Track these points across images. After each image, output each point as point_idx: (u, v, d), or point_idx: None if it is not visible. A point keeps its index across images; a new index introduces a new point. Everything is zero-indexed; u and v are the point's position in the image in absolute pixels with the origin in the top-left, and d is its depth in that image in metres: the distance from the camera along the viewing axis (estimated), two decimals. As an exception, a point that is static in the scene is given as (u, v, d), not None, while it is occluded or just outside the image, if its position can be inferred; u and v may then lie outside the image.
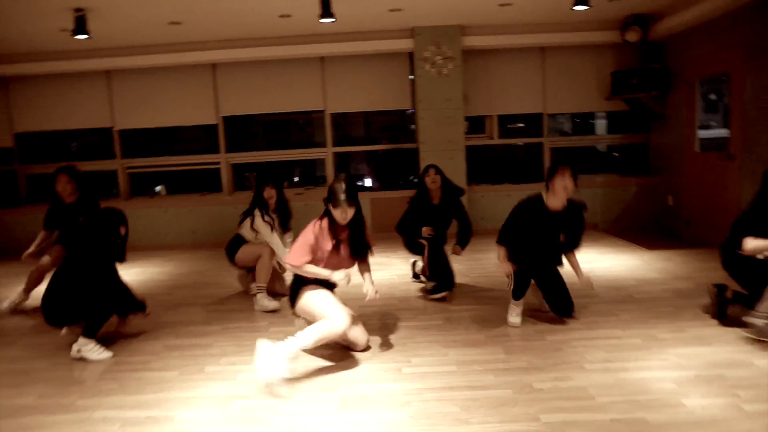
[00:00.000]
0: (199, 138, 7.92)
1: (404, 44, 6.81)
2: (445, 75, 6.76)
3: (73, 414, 2.68)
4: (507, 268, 3.66)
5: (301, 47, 6.80)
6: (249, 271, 4.57)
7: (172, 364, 3.26)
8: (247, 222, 4.43)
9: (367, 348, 3.31)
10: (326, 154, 7.34)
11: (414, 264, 4.91)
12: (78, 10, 5.16)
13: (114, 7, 5.18)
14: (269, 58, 6.98)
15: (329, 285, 3.28)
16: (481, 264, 5.45)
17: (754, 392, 2.59)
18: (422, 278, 4.72)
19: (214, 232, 7.02)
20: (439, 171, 4.52)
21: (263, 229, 4.36)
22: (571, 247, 3.62)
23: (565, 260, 3.72)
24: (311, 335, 2.94)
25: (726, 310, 3.54)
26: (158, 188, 7.99)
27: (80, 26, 5.27)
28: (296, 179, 8.26)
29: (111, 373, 3.16)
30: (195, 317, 4.17)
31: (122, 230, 3.68)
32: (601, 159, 8.13)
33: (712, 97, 9.18)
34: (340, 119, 7.71)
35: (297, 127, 8.39)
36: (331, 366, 3.13)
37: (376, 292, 3.32)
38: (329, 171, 7.37)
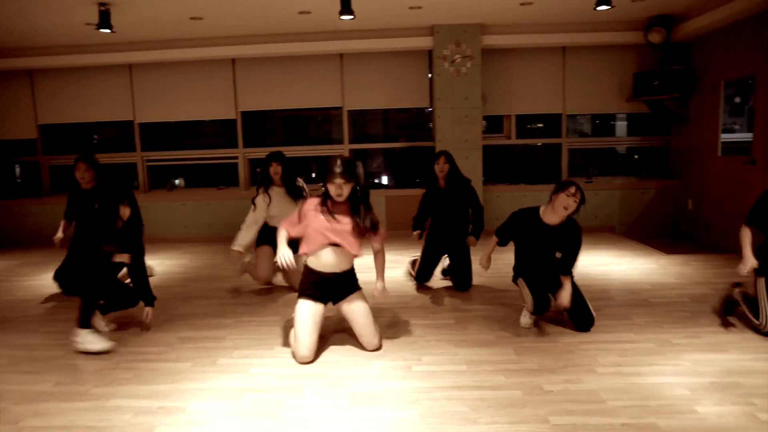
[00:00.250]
0: (219, 132, 8.00)
1: (423, 42, 6.79)
2: (463, 74, 6.73)
3: (88, 402, 2.73)
4: (484, 261, 3.76)
5: (320, 44, 6.82)
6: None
7: (185, 355, 3.31)
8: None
9: (378, 348, 3.31)
10: (343, 150, 7.36)
11: (413, 262, 4.93)
12: (102, 4, 5.24)
13: (137, 2, 5.25)
14: (288, 54, 7.01)
15: (322, 297, 3.25)
16: (494, 264, 5.34)
17: (770, 401, 2.54)
18: (411, 272, 4.92)
19: (230, 226, 7.06)
20: (449, 160, 4.52)
21: (258, 208, 4.57)
22: (564, 268, 3.46)
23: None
24: None
25: (734, 309, 3.58)
26: (177, 181, 8.08)
27: (104, 20, 5.35)
28: (313, 175, 8.29)
29: (125, 363, 3.21)
30: (209, 310, 4.22)
31: (123, 211, 3.59)
32: (620, 161, 8.03)
33: (737, 100, 9.00)
34: (358, 116, 7.72)
35: (315, 124, 8.42)
36: (341, 362, 3.15)
37: (385, 288, 3.30)
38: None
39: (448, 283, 4.79)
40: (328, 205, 3.17)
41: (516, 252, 3.71)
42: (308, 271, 3.28)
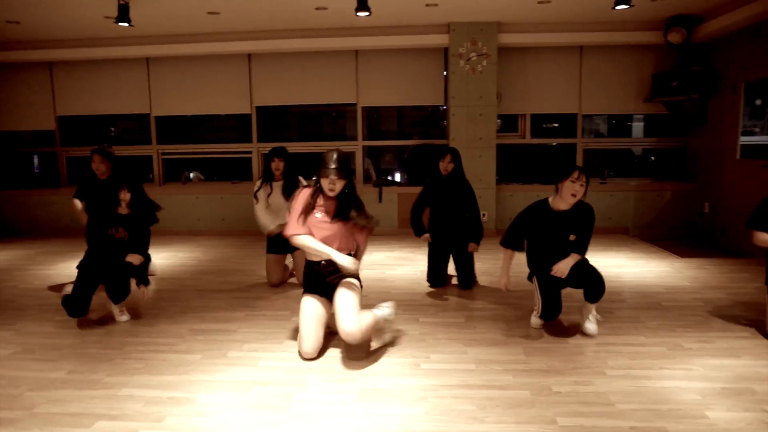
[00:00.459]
0: (234, 127, 8.06)
1: (439, 40, 6.76)
2: (479, 72, 6.69)
3: (101, 390, 2.78)
4: (505, 280, 3.59)
5: (336, 40, 6.83)
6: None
7: (196, 347, 3.34)
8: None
9: (356, 338, 3.02)
10: (356, 147, 7.38)
11: None
12: (121, -2, 5.30)
13: (155, -4, 5.31)
14: (304, 49, 7.03)
15: (324, 290, 3.22)
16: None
17: (783, 409, 2.51)
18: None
19: (243, 220, 7.15)
20: (455, 159, 4.49)
21: (260, 200, 4.65)
22: (578, 251, 3.42)
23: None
24: None
25: None
26: (192, 174, 8.16)
27: (123, 14, 5.40)
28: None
29: (138, 353, 3.25)
30: (220, 303, 4.26)
31: (124, 195, 3.81)
32: (636, 162, 7.95)
33: (758, 102, 8.85)
34: (372, 113, 7.72)
35: (329, 120, 8.44)
36: (350, 357, 3.16)
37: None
38: (359, 164, 7.40)
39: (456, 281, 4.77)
40: (318, 199, 3.14)
41: (528, 248, 3.64)
42: (306, 264, 3.31)
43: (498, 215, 7.07)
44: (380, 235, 6.97)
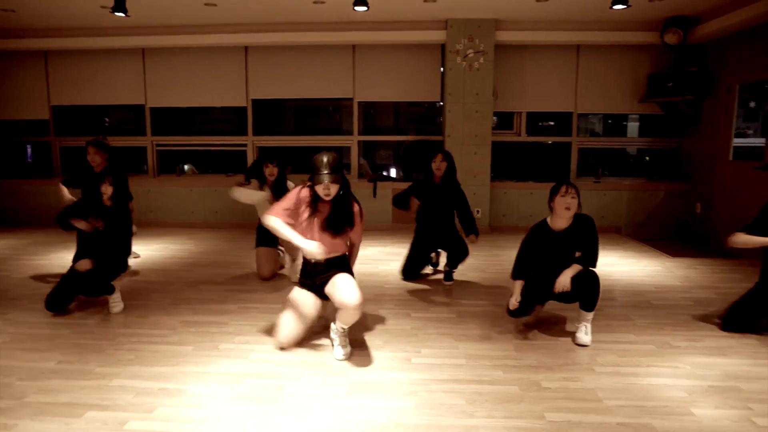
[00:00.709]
0: (229, 120, 8.03)
1: (437, 36, 6.76)
2: (476, 69, 6.70)
3: (92, 380, 2.78)
4: (515, 303, 3.44)
5: (333, 34, 6.82)
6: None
7: (188, 339, 3.35)
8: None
9: (359, 304, 2.98)
10: (352, 142, 7.38)
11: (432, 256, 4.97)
12: (117, -12, 5.27)
13: (152, -14, 5.28)
14: (301, 43, 7.01)
15: (312, 285, 3.23)
16: (498, 260, 5.43)
17: (768, 407, 2.55)
18: (430, 268, 4.96)
19: (236, 213, 7.15)
20: (447, 158, 4.50)
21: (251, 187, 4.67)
22: (587, 264, 3.35)
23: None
24: None
25: None
26: (186, 167, 8.13)
27: (119, 4, 5.37)
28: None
29: (129, 345, 3.26)
30: (213, 295, 4.26)
31: (106, 189, 3.87)
32: (631, 162, 7.98)
33: (752, 104, 8.91)
34: (369, 108, 7.72)
35: (326, 114, 8.43)
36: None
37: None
38: (354, 159, 7.40)
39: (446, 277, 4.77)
40: (315, 204, 3.12)
41: (525, 257, 3.52)
42: (303, 258, 3.32)
43: (492, 212, 7.09)
44: (374, 229, 6.98)
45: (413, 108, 7.96)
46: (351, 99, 7.28)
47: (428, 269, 4.97)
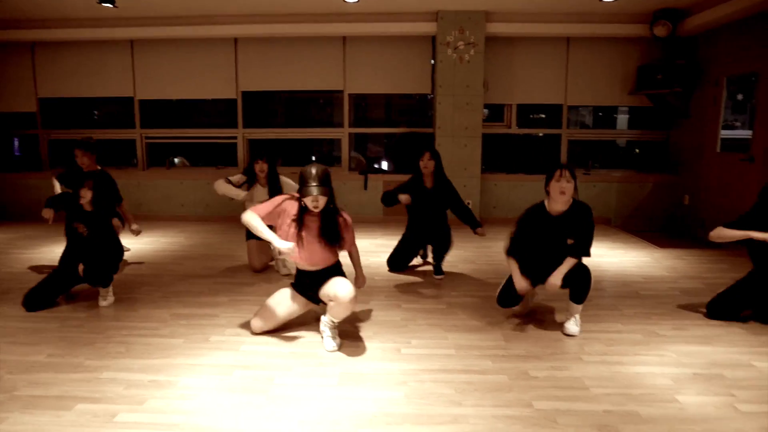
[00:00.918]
0: (219, 112, 7.99)
1: (427, 28, 6.75)
2: (466, 61, 6.70)
3: (82, 373, 2.78)
4: (523, 284, 3.38)
5: (324, 26, 6.79)
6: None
7: (178, 332, 3.35)
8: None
9: (352, 300, 3.03)
10: (343, 134, 7.37)
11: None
12: (104, -22, 5.22)
13: (139, -23, 5.23)
14: (291, 35, 6.98)
15: (304, 289, 3.28)
16: (488, 252, 5.46)
17: (752, 393, 2.59)
18: (419, 260, 5.01)
19: (227, 206, 7.12)
20: (434, 156, 4.48)
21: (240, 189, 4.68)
22: (579, 253, 3.32)
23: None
24: None
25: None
26: (176, 160, 8.09)
27: (106, -5, 5.34)
28: (313, 158, 8.29)
29: (119, 337, 3.25)
30: (203, 288, 4.26)
31: (85, 194, 3.79)
32: (621, 154, 8.03)
33: (740, 97, 8.98)
34: (360, 100, 7.70)
35: (317, 106, 8.41)
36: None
37: (362, 276, 3.37)
38: (345, 151, 7.40)
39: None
40: (303, 218, 3.12)
41: (519, 237, 3.49)
42: (297, 269, 3.35)
43: (482, 204, 7.12)
44: (364, 222, 6.99)
45: (404, 100, 7.95)
46: (342, 91, 7.26)
47: (416, 261, 4.99)
